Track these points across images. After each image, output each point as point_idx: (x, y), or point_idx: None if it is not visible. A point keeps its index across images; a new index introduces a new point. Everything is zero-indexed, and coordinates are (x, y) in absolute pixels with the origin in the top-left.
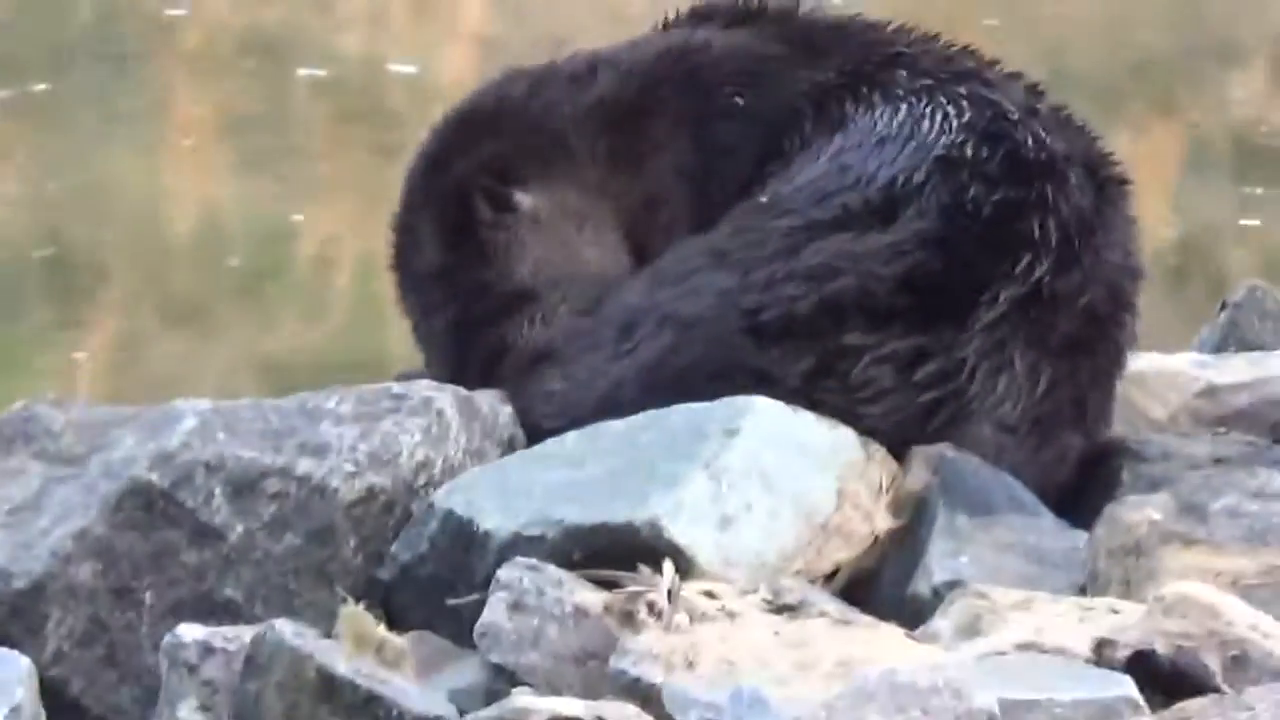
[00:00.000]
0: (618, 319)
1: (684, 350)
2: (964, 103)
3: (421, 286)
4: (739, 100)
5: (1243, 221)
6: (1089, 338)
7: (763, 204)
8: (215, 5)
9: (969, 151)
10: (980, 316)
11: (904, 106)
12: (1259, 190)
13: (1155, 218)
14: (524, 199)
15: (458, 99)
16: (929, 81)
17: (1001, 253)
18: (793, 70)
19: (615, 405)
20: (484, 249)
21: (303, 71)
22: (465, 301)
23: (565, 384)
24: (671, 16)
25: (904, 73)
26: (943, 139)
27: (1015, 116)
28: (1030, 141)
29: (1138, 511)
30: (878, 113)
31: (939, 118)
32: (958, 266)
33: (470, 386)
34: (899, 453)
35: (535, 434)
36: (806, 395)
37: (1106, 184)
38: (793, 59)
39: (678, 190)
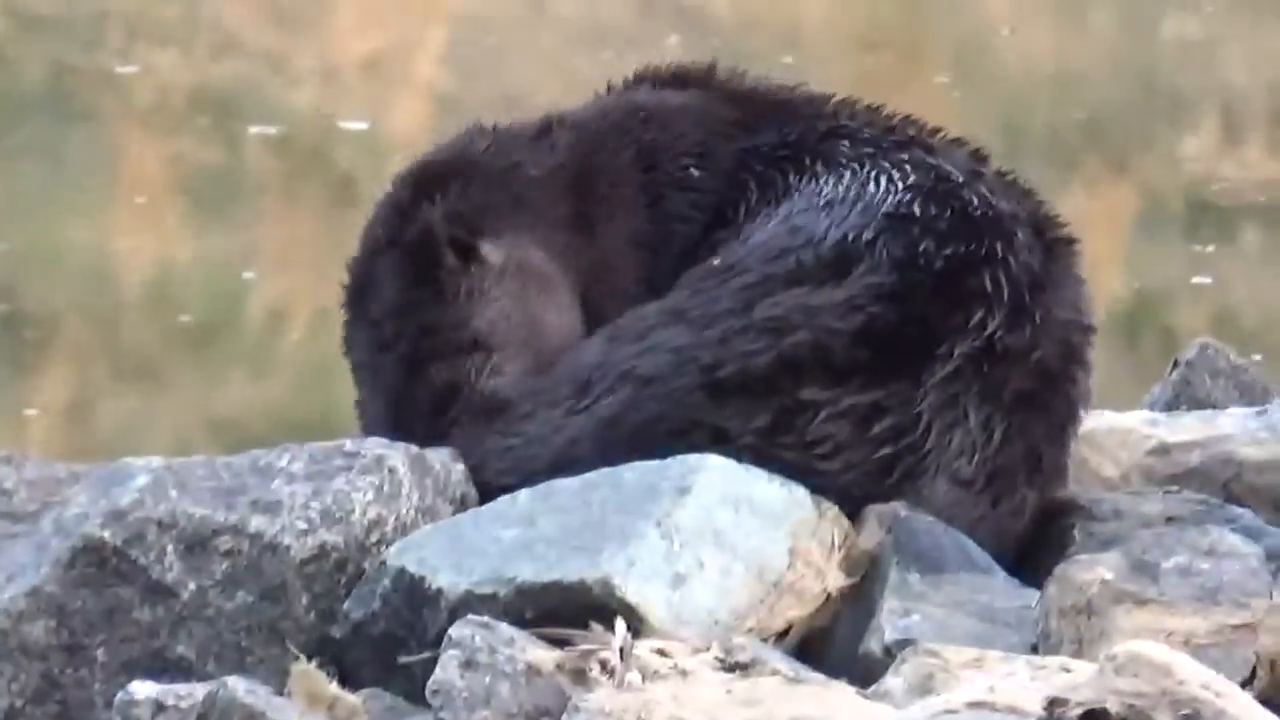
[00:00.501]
0: (575, 376)
1: (641, 406)
2: (908, 168)
3: (376, 325)
4: (693, 171)
5: (1194, 280)
6: (1042, 393)
7: (715, 266)
8: (166, 62)
9: (917, 210)
10: (935, 371)
11: (848, 174)
12: (1210, 248)
13: (1107, 275)
14: (491, 252)
15: (411, 155)
16: (871, 150)
17: (954, 307)
18: (739, 139)
19: (571, 461)
20: (445, 294)
21: (254, 129)
22: (419, 339)
23: (520, 440)
24: (619, 81)
25: (846, 143)
26: (890, 199)
27: (960, 179)
28: (977, 201)
29: (1089, 571)
30: (822, 180)
31: (884, 181)
32: (912, 321)
33: (414, 425)
34: (852, 510)
35: (488, 490)
36: (763, 451)
37: (1054, 244)
38: (739, 128)
39: (631, 257)
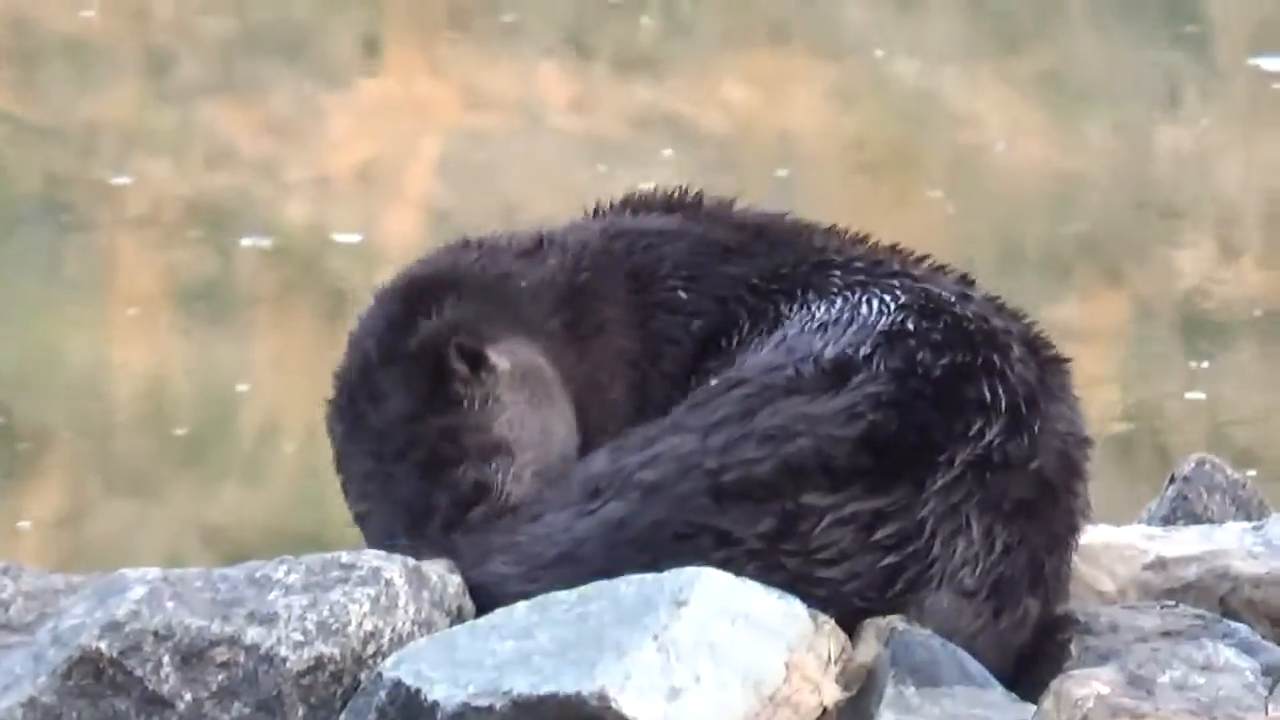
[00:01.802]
0: (584, 483)
1: (647, 511)
2: (898, 291)
3: (383, 435)
4: (680, 294)
5: (1189, 395)
6: (1042, 503)
7: (714, 385)
8: (160, 174)
9: (911, 325)
10: (937, 478)
11: (839, 300)
12: (1204, 364)
13: (1102, 389)
14: (499, 359)
15: (403, 266)
16: (862, 278)
17: (954, 415)
18: (729, 264)
19: (576, 561)
20: (460, 401)
21: (247, 241)
22: (438, 444)
23: (527, 537)
24: (605, 203)
25: (838, 272)
26: (884, 319)
27: (951, 299)
28: (970, 316)
29: (1085, 685)
30: (814, 307)
31: (876, 304)
32: (913, 428)
33: (430, 531)
34: (848, 624)
35: (490, 583)
36: (767, 557)
37: (1047, 361)
38: (728, 253)
39: (620, 374)
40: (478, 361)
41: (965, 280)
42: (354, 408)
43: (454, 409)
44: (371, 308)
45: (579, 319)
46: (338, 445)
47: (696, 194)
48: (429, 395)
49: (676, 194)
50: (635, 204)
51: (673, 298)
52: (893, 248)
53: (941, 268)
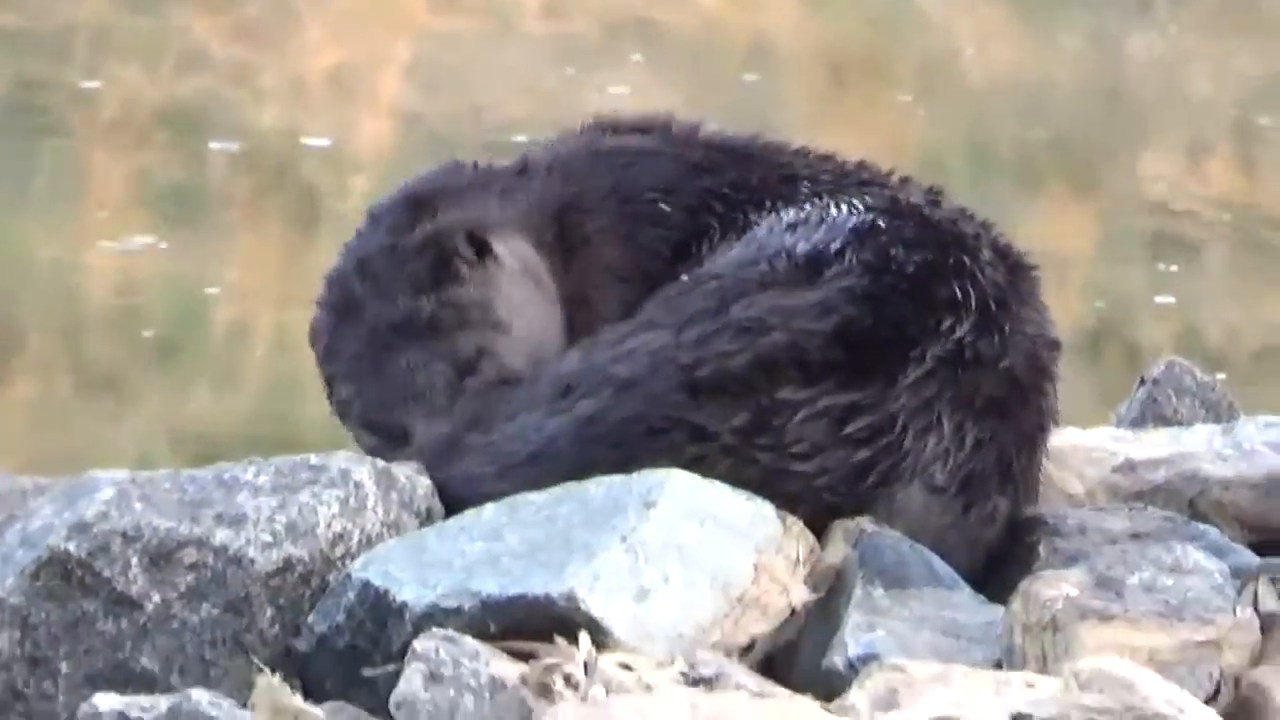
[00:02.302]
0: (555, 383)
1: (621, 406)
2: (867, 198)
3: (383, 314)
4: (662, 206)
5: (1158, 299)
6: (1012, 401)
7: (685, 282)
8: (131, 78)
9: (882, 224)
10: (909, 373)
11: (808, 206)
12: (1174, 267)
13: (1072, 293)
14: (503, 251)
15: (376, 170)
16: (830, 188)
17: (926, 310)
18: (702, 178)
19: (549, 458)
20: (463, 280)
21: (215, 145)
22: (439, 313)
23: (499, 437)
24: (579, 125)
25: (806, 184)
26: (854, 218)
27: (920, 205)
28: (940, 219)
29: (1054, 587)
30: (783, 212)
31: (845, 207)
32: (886, 323)
33: (428, 399)
34: (821, 521)
35: (461, 483)
36: (741, 452)
37: (1016, 267)
38: (701, 169)
39: (607, 288)
40: (483, 249)
41: (933, 191)
42: (349, 300)
43: (457, 285)
44: (368, 221)
45: (567, 232)
46: (326, 341)
47: (666, 116)
48: (434, 274)
49: (648, 116)
50: (609, 126)
51: (655, 210)
52: (860, 163)
53: (909, 179)
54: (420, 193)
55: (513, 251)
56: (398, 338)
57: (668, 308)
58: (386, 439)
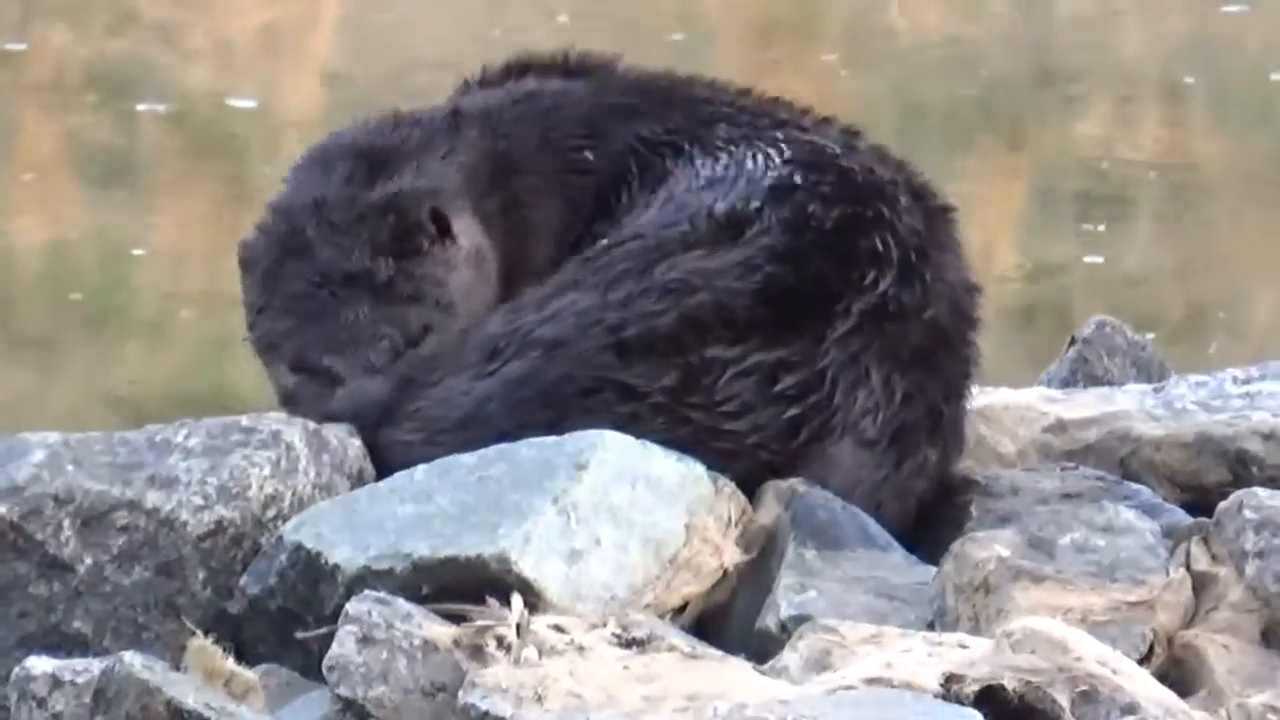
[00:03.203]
0: (481, 345)
1: (550, 368)
2: (783, 145)
3: (335, 261)
4: (587, 154)
5: (1087, 259)
6: (937, 351)
7: (607, 242)
8: (55, 40)
9: (798, 179)
10: (835, 328)
11: (724, 155)
12: (1101, 227)
13: (1000, 253)
14: (461, 234)
15: (307, 136)
16: (746, 132)
17: (848, 265)
18: (622, 125)
19: (479, 422)
20: (423, 253)
21: (142, 107)
22: (395, 279)
23: (428, 402)
24: (495, 68)
25: (723, 125)
26: (770, 173)
27: (836, 150)
28: (856, 168)
29: (986, 547)
30: (699, 164)
31: (761, 159)
32: (809, 279)
33: (367, 354)
34: (754, 479)
35: (391, 450)
36: (672, 411)
37: (933, 210)
38: (624, 112)
39: (542, 244)
40: (444, 228)
41: (850, 132)
42: (297, 236)
43: (419, 258)
44: (316, 165)
45: (501, 194)
46: (264, 268)
47: (582, 55)
48: (395, 240)
49: (564, 56)
50: (521, 68)
51: (581, 159)
52: (776, 100)
53: (827, 119)
54: (371, 147)
55: (466, 232)
56: (350, 289)
57: (591, 268)
58: (312, 380)
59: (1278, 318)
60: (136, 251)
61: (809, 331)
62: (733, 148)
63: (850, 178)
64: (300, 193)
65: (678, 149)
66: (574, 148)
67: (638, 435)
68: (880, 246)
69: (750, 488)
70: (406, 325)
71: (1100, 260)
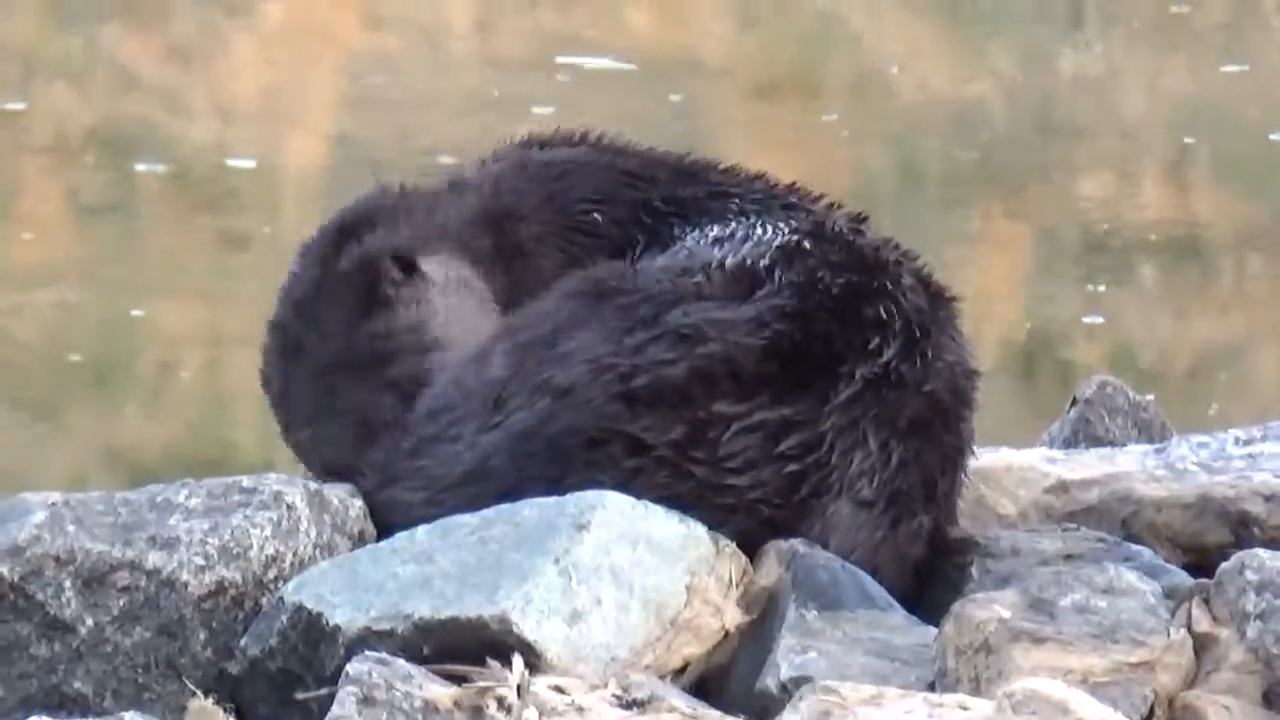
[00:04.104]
0: (485, 392)
1: (559, 417)
2: (792, 220)
3: (323, 351)
4: (596, 216)
5: (1087, 319)
6: (934, 423)
7: (617, 283)
8: (55, 99)
9: (808, 245)
10: (839, 390)
11: (734, 223)
12: (1102, 287)
13: (1002, 312)
14: (431, 269)
15: (307, 196)
16: (757, 207)
17: (854, 330)
18: (634, 192)
19: (483, 477)
20: (394, 305)
21: (142, 167)
22: (375, 346)
23: (431, 460)
24: (507, 144)
25: (735, 201)
26: (778, 239)
27: (844, 230)
28: (863, 245)
29: (987, 608)
30: (708, 228)
31: (770, 228)
32: (816, 339)
33: (382, 435)
34: (753, 537)
35: (394, 509)
36: (675, 465)
37: (937, 297)
38: (633, 183)
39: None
40: (411, 269)
41: (858, 218)
42: (292, 343)
43: (388, 312)
44: (299, 257)
45: (503, 241)
46: (279, 386)
47: (594, 131)
48: (364, 303)
49: (581, 135)
50: (537, 142)
51: (589, 220)
52: (790, 185)
53: (837, 204)
54: (346, 220)
55: (440, 264)
56: (340, 375)
57: (603, 307)
58: (349, 481)
59: (1277, 378)
60: (136, 312)
61: (813, 392)
62: (744, 218)
63: (857, 251)
64: (285, 299)
65: (686, 218)
66: (582, 210)
67: (641, 490)
68: (885, 316)
69: (750, 545)
70: (398, 382)
71: (1100, 320)
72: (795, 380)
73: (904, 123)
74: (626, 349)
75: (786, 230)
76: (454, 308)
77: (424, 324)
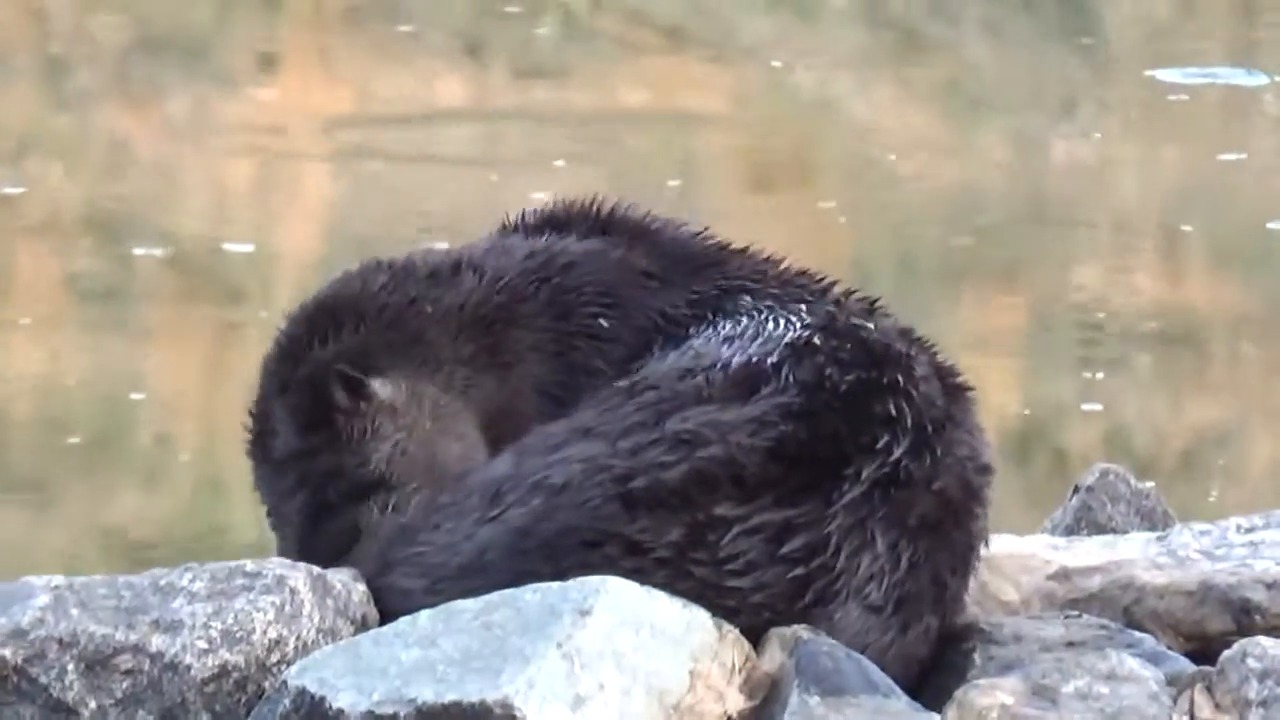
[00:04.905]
0: (485, 489)
1: (554, 516)
2: (804, 312)
3: (277, 472)
4: (602, 322)
5: (1085, 406)
6: (945, 522)
7: (620, 386)
8: (53, 182)
9: (818, 340)
10: (844, 492)
11: (745, 319)
12: (1099, 375)
13: (999, 400)
14: (381, 388)
15: (299, 277)
16: (771, 302)
17: (862, 429)
18: (648, 296)
19: (479, 570)
20: (340, 435)
21: (139, 250)
22: (319, 485)
23: (429, 548)
24: (526, 218)
25: (749, 298)
26: (789, 334)
27: (857, 322)
28: (877, 338)
29: (989, 695)
30: (720, 325)
31: (782, 322)
32: (822, 440)
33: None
34: (756, 634)
35: (393, 597)
36: (676, 566)
37: (952, 388)
38: (648, 284)
39: (536, 403)
40: (358, 389)
41: (873, 305)
42: (261, 439)
43: (335, 443)
44: (278, 333)
45: (496, 345)
46: (253, 473)
47: (614, 207)
48: (312, 427)
49: (596, 208)
50: (556, 219)
51: (594, 325)
52: (803, 272)
53: (852, 293)
54: (325, 304)
55: (395, 383)
56: (289, 504)
57: (602, 416)
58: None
59: (1276, 464)
60: (135, 395)
61: (818, 493)
62: (755, 313)
63: (869, 345)
64: (260, 380)
65: (700, 319)
66: (590, 314)
67: None
68: (894, 413)
69: (754, 635)
70: (332, 536)
71: (1099, 408)
72: (800, 481)
73: (899, 210)
74: (623, 451)
75: (798, 325)
76: (404, 431)
77: (368, 458)
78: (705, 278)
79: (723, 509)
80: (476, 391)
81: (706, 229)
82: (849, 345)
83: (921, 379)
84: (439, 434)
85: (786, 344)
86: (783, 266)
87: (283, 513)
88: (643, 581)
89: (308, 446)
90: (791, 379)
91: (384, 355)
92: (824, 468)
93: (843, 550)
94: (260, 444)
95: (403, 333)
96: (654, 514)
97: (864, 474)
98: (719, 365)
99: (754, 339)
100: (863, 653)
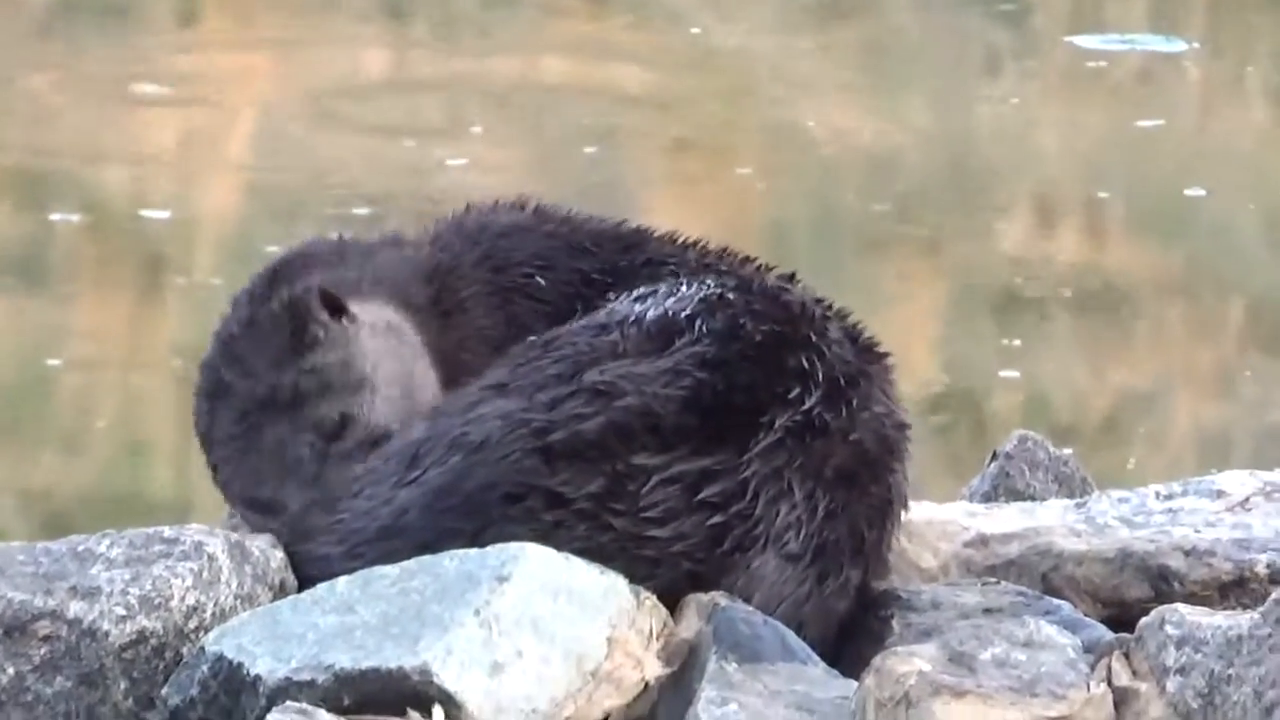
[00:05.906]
0: (402, 453)
1: (474, 473)
2: (720, 278)
3: (249, 390)
4: (538, 279)
5: (1003, 373)
6: (862, 474)
7: (534, 342)
8: None
9: (731, 295)
10: (759, 439)
11: (662, 285)
12: (1018, 341)
13: (918, 366)
14: (360, 310)
15: (222, 245)
16: (688, 271)
17: (775, 378)
18: (577, 261)
19: (399, 532)
20: (322, 342)
21: (56, 216)
22: (302, 382)
23: (348, 514)
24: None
25: (669, 267)
26: (702, 291)
27: (771, 286)
28: (791, 299)
29: (907, 662)
30: (637, 289)
31: (697, 284)
32: (737, 389)
33: (299, 472)
34: (679, 590)
35: (313, 564)
36: (595, 518)
37: (866, 348)
38: (576, 253)
39: (480, 352)
40: (337, 309)
41: (789, 277)
42: (218, 383)
43: (317, 349)
44: (232, 301)
45: (440, 295)
46: (203, 427)
47: (536, 202)
48: (292, 341)
49: (518, 203)
50: (479, 209)
51: (531, 284)
52: (723, 250)
53: (767, 267)
54: (280, 264)
55: (369, 309)
56: (265, 414)
57: (516, 372)
58: (265, 515)
59: (1195, 430)
60: (52, 361)
61: (734, 442)
62: (671, 279)
63: (783, 301)
64: (216, 341)
65: (623, 288)
66: (523, 273)
67: (560, 542)
68: (807, 365)
69: (672, 599)
70: (321, 422)
71: (1017, 375)
72: (715, 430)
73: (818, 175)
74: (540, 405)
75: (712, 284)
76: (382, 350)
77: (350, 363)
78: (628, 254)
79: (641, 459)
80: (428, 335)
81: (625, 219)
82: (761, 299)
83: (834, 339)
84: (410, 359)
85: (700, 299)
86: (702, 245)
87: (251, 427)
88: (564, 533)
89: (285, 356)
90: (705, 329)
91: (353, 289)
92: (739, 416)
93: (760, 498)
94: (218, 386)
95: (367, 275)
96: (574, 465)
97: (778, 423)
98: (633, 320)
99: (669, 296)
100: (781, 604)
